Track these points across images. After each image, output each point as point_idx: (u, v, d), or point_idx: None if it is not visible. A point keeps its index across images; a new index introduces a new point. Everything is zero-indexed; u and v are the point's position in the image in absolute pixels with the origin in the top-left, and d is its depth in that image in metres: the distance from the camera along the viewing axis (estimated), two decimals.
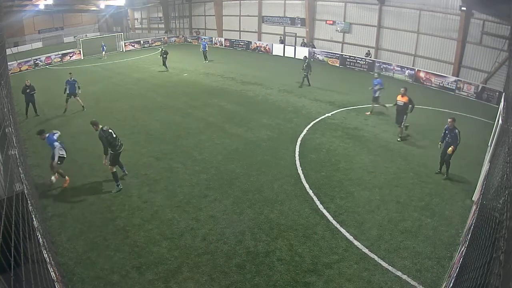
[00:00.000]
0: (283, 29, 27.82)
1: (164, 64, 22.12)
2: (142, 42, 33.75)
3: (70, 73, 14.91)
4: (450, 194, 7.95)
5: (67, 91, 14.22)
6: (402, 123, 10.90)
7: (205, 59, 24.93)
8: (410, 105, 10.71)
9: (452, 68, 17.97)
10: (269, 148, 10.40)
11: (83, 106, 14.57)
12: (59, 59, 26.61)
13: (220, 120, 12.82)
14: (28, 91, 13.47)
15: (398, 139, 10.95)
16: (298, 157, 9.78)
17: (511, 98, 7.55)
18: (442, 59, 18.65)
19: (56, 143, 8.32)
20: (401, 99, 10.86)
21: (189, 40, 36.23)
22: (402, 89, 10.95)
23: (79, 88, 14.37)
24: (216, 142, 10.89)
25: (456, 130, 8.33)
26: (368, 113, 13.51)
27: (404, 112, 10.79)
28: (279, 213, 7.27)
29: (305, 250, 6.19)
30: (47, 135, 8.48)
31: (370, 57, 21.67)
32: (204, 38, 31.90)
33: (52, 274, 3.68)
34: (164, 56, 22.00)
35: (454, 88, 16.99)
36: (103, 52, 27.81)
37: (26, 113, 13.72)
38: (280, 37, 27.77)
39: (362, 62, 21.81)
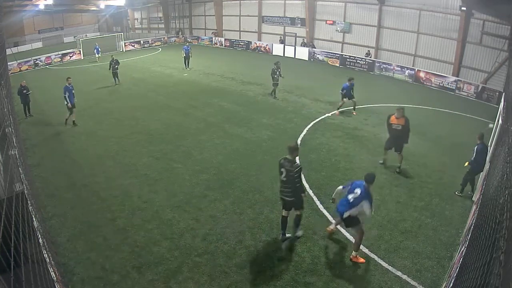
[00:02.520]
0: (283, 29, 27.82)
1: (116, 76, 18.46)
2: (142, 42, 33.76)
3: (69, 78, 12.45)
4: (450, 194, 7.95)
5: (68, 101, 12.05)
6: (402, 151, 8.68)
7: (186, 66, 22.41)
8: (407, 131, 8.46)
9: (452, 68, 17.98)
10: (269, 148, 10.40)
11: (74, 122, 12.63)
12: (59, 59, 26.61)
13: (220, 120, 12.82)
14: (24, 91, 13.45)
15: (397, 170, 8.86)
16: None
17: (511, 98, 7.55)
18: (442, 59, 18.65)
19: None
20: (397, 122, 8.47)
21: (189, 40, 36.21)
22: (398, 109, 8.54)
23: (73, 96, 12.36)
24: (216, 142, 10.89)
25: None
26: (337, 111, 13.16)
27: (403, 139, 8.53)
28: (279, 213, 7.25)
29: (305, 250, 6.19)
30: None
31: (370, 57, 21.68)
32: (188, 41, 30.90)
33: (52, 274, 3.68)
34: (115, 67, 18.21)
35: (454, 88, 16.99)
36: (97, 54, 26.60)
37: (25, 114, 13.71)
38: (280, 37, 27.76)
39: (362, 62, 21.81)
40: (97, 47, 26.89)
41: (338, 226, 6.73)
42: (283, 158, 5.96)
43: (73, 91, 12.26)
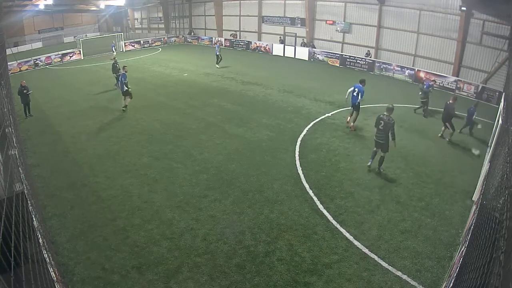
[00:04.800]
0: (283, 29, 27.81)
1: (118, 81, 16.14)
2: (142, 42, 33.76)
3: (125, 66, 14.34)
4: (450, 194, 7.95)
5: (119, 86, 13.92)
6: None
7: (217, 62, 22.71)
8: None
9: (452, 68, 17.97)
10: (269, 148, 10.40)
11: (126, 106, 14.04)
12: (59, 59, 26.60)
13: (220, 120, 12.82)
14: (25, 91, 13.46)
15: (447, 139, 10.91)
16: (298, 157, 9.78)
17: (511, 98, 7.55)
18: (442, 59, 18.65)
19: None
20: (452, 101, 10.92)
21: (189, 40, 36.22)
22: (454, 97, 11.08)
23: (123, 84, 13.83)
24: (216, 142, 10.89)
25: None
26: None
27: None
28: (279, 213, 7.27)
29: (305, 250, 6.19)
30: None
31: (370, 57, 21.67)
32: (219, 40, 30.56)
33: (52, 274, 3.68)
34: (116, 66, 17.10)
35: (454, 88, 16.99)
36: (114, 52, 27.72)
37: (25, 113, 13.71)
38: (280, 37, 27.75)
39: (362, 62, 21.80)
40: (114, 45, 28.98)
41: (338, 226, 6.77)
42: (382, 114, 8.54)
43: (124, 80, 13.55)
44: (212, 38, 33.67)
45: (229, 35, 32.55)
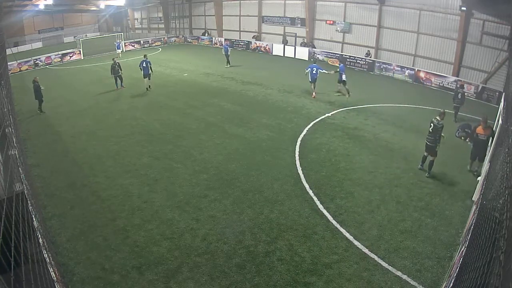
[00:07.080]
0: (283, 29, 27.80)
1: (120, 79, 17.82)
2: (142, 42, 33.76)
3: (145, 54, 17.47)
4: (450, 194, 7.95)
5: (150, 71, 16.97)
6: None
7: (227, 63, 22.99)
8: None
9: (452, 68, 17.97)
10: (269, 148, 10.40)
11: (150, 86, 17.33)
12: (59, 59, 26.60)
13: (220, 120, 12.82)
14: (39, 87, 13.88)
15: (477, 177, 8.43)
16: (298, 157, 9.78)
17: (511, 98, 7.56)
18: (442, 59, 18.64)
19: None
20: (483, 132, 8.46)
21: (189, 40, 36.20)
22: (484, 119, 8.52)
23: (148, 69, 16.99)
24: (216, 142, 10.89)
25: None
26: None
27: (486, 147, 8.47)
28: (279, 213, 7.27)
29: (305, 250, 6.19)
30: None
31: (370, 57, 21.67)
32: (230, 40, 30.09)
33: (52, 274, 3.68)
34: (118, 70, 17.54)
35: (454, 88, 16.97)
36: (118, 50, 27.97)
37: (40, 109, 14.18)
38: (283, 37, 27.64)
39: (362, 62, 21.80)
40: (119, 43, 28.89)
41: (338, 226, 6.78)
42: (434, 118, 8.52)
43: (144, 65, 16.93)
44: (212, 38, 33.63)
45: (251, 36, 30.80)
